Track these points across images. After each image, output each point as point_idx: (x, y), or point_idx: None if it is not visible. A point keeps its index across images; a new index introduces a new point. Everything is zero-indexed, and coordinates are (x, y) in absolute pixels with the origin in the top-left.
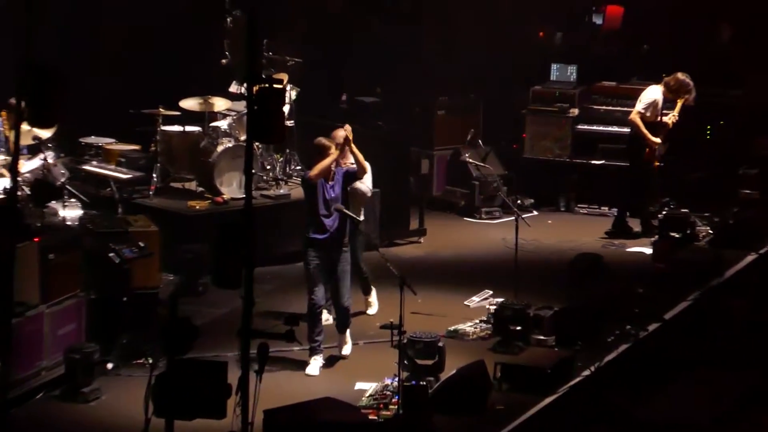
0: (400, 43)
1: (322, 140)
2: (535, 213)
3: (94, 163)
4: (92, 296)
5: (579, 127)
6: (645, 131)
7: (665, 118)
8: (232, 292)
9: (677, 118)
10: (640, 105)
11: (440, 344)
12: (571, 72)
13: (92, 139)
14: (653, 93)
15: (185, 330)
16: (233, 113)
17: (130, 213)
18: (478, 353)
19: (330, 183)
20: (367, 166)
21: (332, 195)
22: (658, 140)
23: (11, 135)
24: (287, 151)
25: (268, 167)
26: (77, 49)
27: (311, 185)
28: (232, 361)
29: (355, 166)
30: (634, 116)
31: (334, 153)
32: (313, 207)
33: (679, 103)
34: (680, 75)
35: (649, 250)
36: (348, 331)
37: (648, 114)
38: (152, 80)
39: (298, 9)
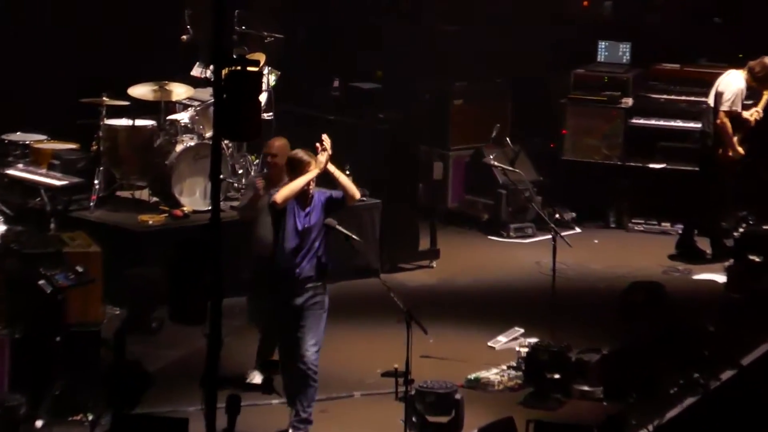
0: (407, 13)
1: (300, 154)
2: (578, 230)
3: (20, 166)
4: (17, 334)
5: (633, 121)
6: (732, 136)
7: (746, 113)
8: (194, 328)
9: (761, 114)
10: (724, 99)
11: (457, 396)
12: (624, 51)
13: (17, 136)
14: (736, 81)
15: (134, 377)
16: (196, 103)
17: (66, 229)
18: (505, 408)
19: (305, 210)
20: (356, 193)
21: (306, 225)
22: (741, 150)
23: None
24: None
25: (240, 171)
26: None
27: (277, 211)
28: (194, 417)
29: (339, 192)
30: (723, 119)
31: (312, 171)
32: (277, 239)
33: (766, 96)
34: None
35: (722, 278)
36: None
37: (732, 109)
38: (94, 62)
39: None
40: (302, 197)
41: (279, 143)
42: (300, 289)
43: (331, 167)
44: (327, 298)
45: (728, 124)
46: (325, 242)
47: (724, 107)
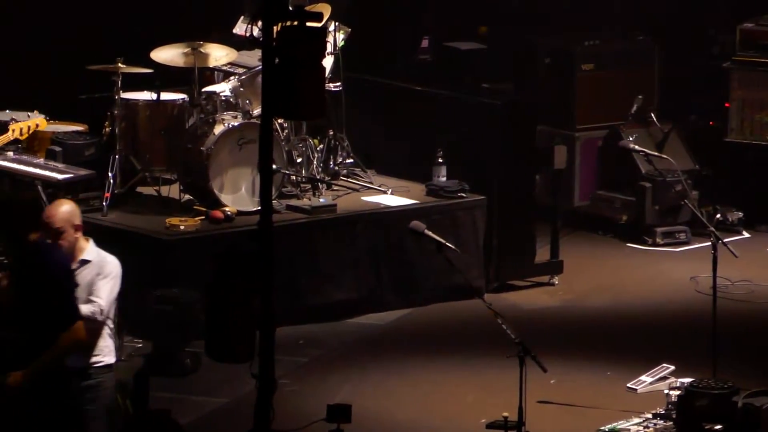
0: None
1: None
2: (747, 235)
3: (10, 154)
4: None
5: None
6: None
7: None
8: (239, 368)
9: None
10: None
11: None
12: None
13: (7, 115)
14: None
15: (161, 431)
16: (240, 71)
17: None
18: None
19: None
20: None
21: None
22: None
23: None
24: (330, 132)
25: (299, 160)
26: None
27: None
28: None
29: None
30: None
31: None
32: None
33: None
34: None
35: None
36: None
37: None
38: (104, 16)
39: None
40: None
41: (62, 212)
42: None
43: None
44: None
45: None
46: None
47: None
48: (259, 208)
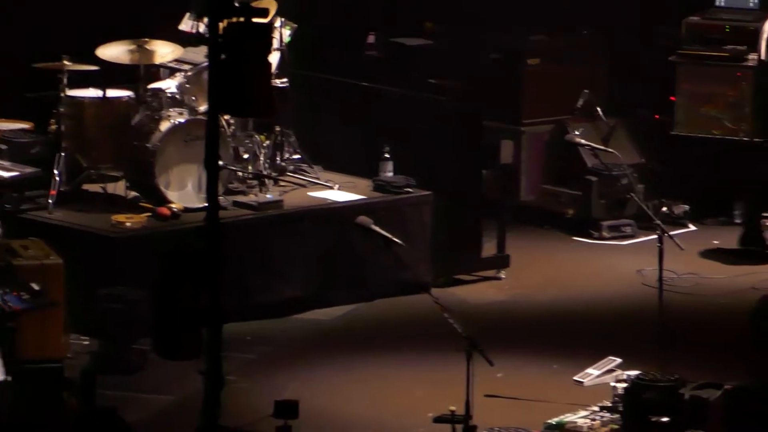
0: None
1: None
2: (693, 228)
3: None
4: None
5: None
6: None
7: None
8: (187, 365)
9: None
10: None
11: None
12: None
13: None
14: None
15: (109, 428)
16: (186, 67)
17: (17, 235)
18: None
19: None
20: None
21: None
22: None
23: None
24: (277, 129)
25: (246, 156)
26: None
27: None
28: None
29: None
30: None
31: None
32: None
33: None
34: None
35: None
36: None
37: None
38: (49, 14)
39: None
40: None
41: None
42: None
43: None
44: None
45: None
46: None
47: None
48: (206, 204)
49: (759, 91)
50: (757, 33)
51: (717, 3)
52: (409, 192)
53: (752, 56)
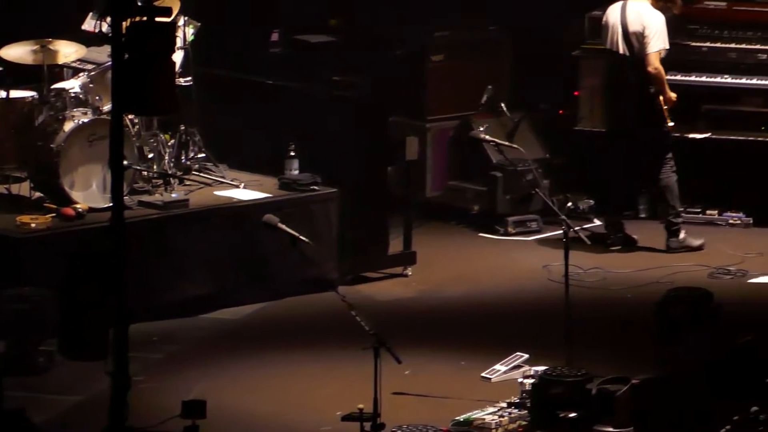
0: None
1: None
2: (598, 223)
3: None
4: None
5: (668, 77)
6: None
7: None
8: (93, 365)
9: None
10: (656, 39)
11: None
12: None
13: None
14: (659, 15)
15: (16, 430)
16: (90, 67)
17: None
18: None
19: None
20: None
21: None
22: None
23: None
24: (182, 127)
25: (150, 156)
26: None
27: None
28: None
29: None
30: (657, 63)
31: None
32: None
33: None
34: None
35: None
36: None
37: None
38: None
39: None
40: None
41: None
42: None
43: None
44: None
45: (662, 71)
46: None
47: (657, 47)
48: (111, 204)
49: (609, 84)
50: None
51: None
52: (315, 190)
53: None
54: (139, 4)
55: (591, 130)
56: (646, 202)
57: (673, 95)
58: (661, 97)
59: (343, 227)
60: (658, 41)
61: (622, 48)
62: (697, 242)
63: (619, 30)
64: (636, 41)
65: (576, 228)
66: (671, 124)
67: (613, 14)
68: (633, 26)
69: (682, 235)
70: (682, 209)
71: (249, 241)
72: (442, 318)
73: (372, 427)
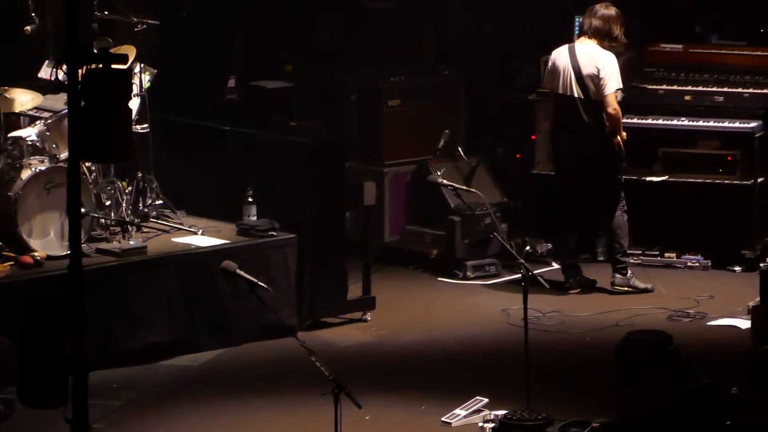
0: None
1: None
2: (556, 266)
3: None
4: None
5: (624, 120)
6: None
7: None
8: (53, 413)
9: None
10: (612, 80)
11: None
12: None
13: None
14: (611, 55)
15: None
16: (46, 114)
17: None
18: None
19: None
20: None
21: None
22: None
23: None
24: (139, 174)
25: (108, 203)
26: None
27: None
28: None
29: None
30: (615, 104)
31: None
32: None
33: None
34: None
35: (745, 323)
36: None
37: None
38: None
39: None
40: None
41: None
42: None
43: None
44: None
45: (619, 111)
46: None
47: (614, 88)
48: (69, 252)
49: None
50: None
51: (575, 39)
52: (273, 235)
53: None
54: (95, 51)
55: (548, 173)
56: (604, 244)
57: (624, 134)
58: (618, 138)
59: (302, 273)
60: (613, 82)
61: (576, 91)
62: (643, 285)
63: (571, 73)
64: (591, 83)
65: (535, 272)
66: (624, 164)
67: (561, 58)
68: (587, 69)
69: (629, 273)
70: (641, 250)
71: (207, 287)
72: (402, 362)
73: None
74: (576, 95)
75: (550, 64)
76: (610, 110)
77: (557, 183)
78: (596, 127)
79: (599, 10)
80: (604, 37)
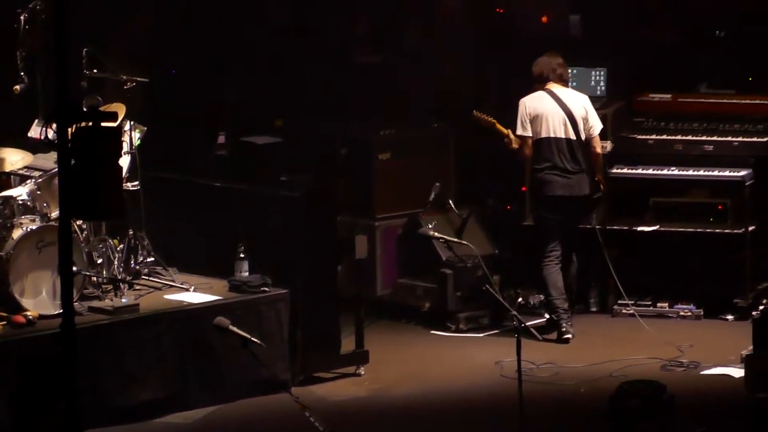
0: (313, 41)
1: None
2: (549, 317)
3: None
4: None
5: (614, 170)
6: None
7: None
8: None
9: None
10: (598, 121)
11: None
12: (598, 79)
13: None
14: (583, 98)
15: None
16: (36, 174)
17: None
18: None
19: None
20: None
21: None
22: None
23: None
24: (130, 232)
25: (100, 261)
26: None
27: None
28: None
29: None
30: (600, 148)
31: None
32: None
33: None
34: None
35: (739, 372)
36: None
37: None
38: None
39: None
40: None
41: None
42: None
43: None
44: None
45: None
46: None
47: (600, 128)
48: (61, 311)
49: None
50: (605, 120)
51: None
52: (265, 291)
53: (601, 144)
54: (85, 109)
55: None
56: (596, 295)
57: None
58: (599, 176)
59: (295, 327)
60: (599, 123)
61: (569, 133)
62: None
63: (561, 116)
64: (582, 125)
65: (528, 324)
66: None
67: (543, 104)
68: (577, 111)
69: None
70: (633, 300)
71: (200, 344)
72: (396, 416)
73: None
74: (568, 137)
75: (529, 110)
76: (599, 150)
77: (546, 226)
78: (588, 167)
79: (556, 58)
80: (567, 82)
